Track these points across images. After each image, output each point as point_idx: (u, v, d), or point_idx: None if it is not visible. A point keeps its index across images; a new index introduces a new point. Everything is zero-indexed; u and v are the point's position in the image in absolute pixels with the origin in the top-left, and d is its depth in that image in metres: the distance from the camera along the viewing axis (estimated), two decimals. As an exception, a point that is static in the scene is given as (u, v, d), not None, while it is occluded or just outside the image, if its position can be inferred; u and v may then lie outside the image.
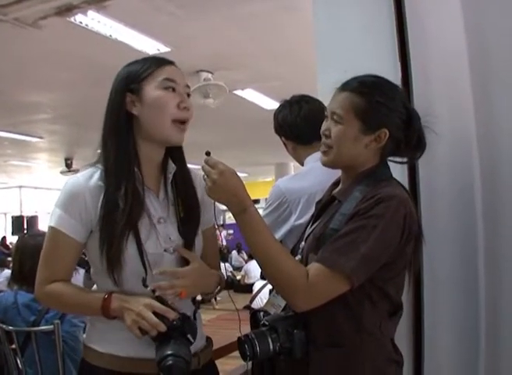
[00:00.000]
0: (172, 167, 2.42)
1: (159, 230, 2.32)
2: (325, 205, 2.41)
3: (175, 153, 2.44)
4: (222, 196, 2.15)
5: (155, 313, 2.08)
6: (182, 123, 2.32)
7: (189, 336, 2.13)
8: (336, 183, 2.46)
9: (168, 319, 2.09)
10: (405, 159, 2.39)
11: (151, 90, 2.28)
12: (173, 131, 2.31)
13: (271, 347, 2.14)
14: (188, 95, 2.37)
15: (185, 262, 2.33)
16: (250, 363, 2.31)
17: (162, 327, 2.07)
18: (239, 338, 2.19)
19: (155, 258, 2.28)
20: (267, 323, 2.21)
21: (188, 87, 2.39)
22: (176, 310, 2.14)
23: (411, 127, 2.24)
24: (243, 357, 2.17)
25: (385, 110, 2.20)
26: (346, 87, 2.26)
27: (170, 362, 2.00)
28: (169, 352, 2.03)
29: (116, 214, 2.21)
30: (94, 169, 2.34)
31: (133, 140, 2.31)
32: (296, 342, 2.16)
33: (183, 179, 2.45)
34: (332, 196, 2.38)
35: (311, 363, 2.18)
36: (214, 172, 2.13)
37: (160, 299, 2.14)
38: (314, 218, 2.44)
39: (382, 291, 2.16)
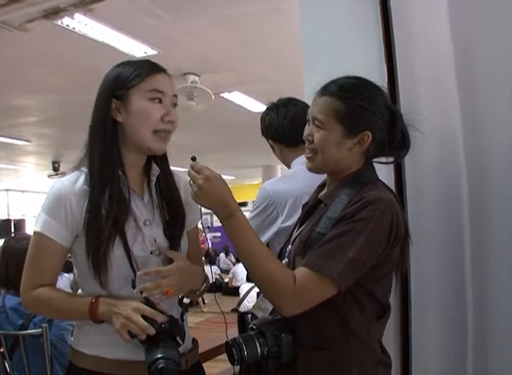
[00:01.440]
0: (155, 170, 2.42)
1: (145, 232, 2.32)
2: (312, 208, 2.41)
3: (158, 157, 2.44)
4: (209, 201, 2.13)
5: (144, 317, 2.08)
6: (164, 132, 2.32)
7: (178, 338, 2.13)
8: (322, 186, 2.46)
9: (157, 322, 2.09)
10: (390, 159, 2.39)
11: (138, 99, 2.27)
12: (155, 141, 2.31)
13: (259, 351, 2.14)
14: (175, 105, 2.37)
15: (171, 262, 2.32)
16: (237, 367, 2.31)
17: (151, 331, 2.06)
18: (226, 342, 2.18)
19: (143, 261, 2.29)
20: (254, 327, 2.21)
21: (175, 96, 2.37)
22: (164, 313, 2.14)
23: (394, 127, 2.24)
24: (231, 361, 2.17)
25: (367, 113, 2.19)
26: (325, 91, 2.25)
27: (161, 365, 2.00)
28: (160, 355, 2.02)
29: (102, 218, 2.21)
30: (79, 172, 2.34)
31: (117, 145, 2.30)
32: (283, 346, 2.16)
33: (167, 182, 2.46)
34: (318, 199, 2.38)
35: (299, 367, 2.18)
36: (199, 177, 2.11)
37: (148, 302, 2.14)
38: (301, 221, 2.43)
39: (369, 293, 2.16)
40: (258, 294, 3.22)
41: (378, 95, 2.26)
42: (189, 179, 2.16)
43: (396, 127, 2.24)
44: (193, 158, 2.18)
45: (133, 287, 2.19)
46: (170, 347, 2.08)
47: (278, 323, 2.21)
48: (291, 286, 2.02)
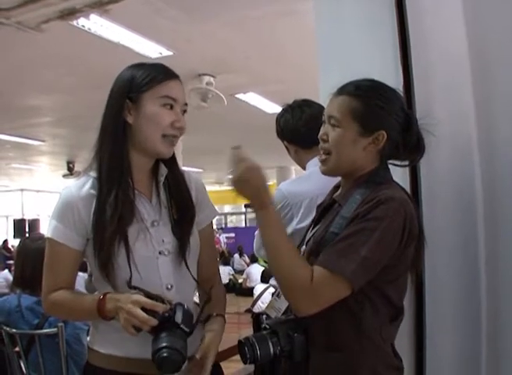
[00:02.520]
0: (163, 170, 2.43)
1: (152, 233, 2.33)
2: (326, 209, 2.41)
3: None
4: (245, 190, 2.16)
5: (145, 309, 2.09)
6: (172, 136, 2.34)
7: (182, 326, 2.11)
8: (337, 187, 2.46)
9: (158, 312, 2.09)
10: (405, 162, 2.39)
11: (150, 104, 2.28)
12: (163, 145, 2.32)
13: (271, 350, 2.14)
14: (184, 112, 2.38)
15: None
16: (252, 367, 2.31)
17: (153, 322, 2.06)
18: (239, 341, 2.19)
19: (149, 261, 2.31)
20: (268, 327, 2.21)
21: (186, 104, 2.39)
22: (165, 301, 2.14)
23: (410, 130, 2.24)
24: (244, 360, 2.17)
25: (383, 112, 2.20)
26: (342, 91, 2.26)
27: (165, 354, 2.00)
28: (164, 345, 2.02)
29: (105, 219, 2.23)
30: (86, 178, 2.36)
31: (126, 146, 2.32)
32: (296, 345, 2.16)
33: (176, 181, 2.46)
34: (332, 199, 2.38)
35: (311, 366, 2.18)
36: (241, 165, 2.15)
37: (148, 294, 2.14)
38: (315, 222, 2.43)
39: (383, 294, 2.15)
40: (273, 295, 3.23)
41: (394, 97, 2.26)
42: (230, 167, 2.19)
43: (412, 130, 2.24)
44: (237, 148, 2.23)
45: (129, 286, 2.20)
46: (175, 336, 2.08)
47: (291, 323, 2.21)
48: (307, 283, 2.02)
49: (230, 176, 2.17)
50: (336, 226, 2.15)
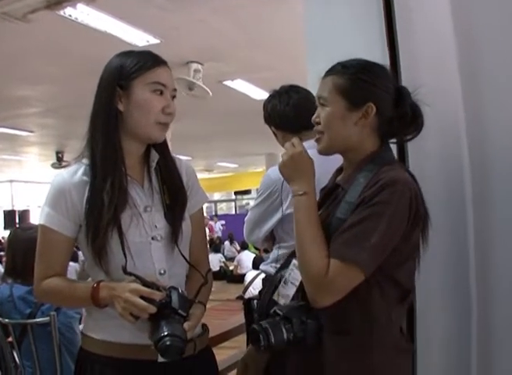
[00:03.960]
0: (155, 156, 2.45)
1: (145, 218, 2.36)
2: (329, 192, 2.42)
3: (158, 143, 2.47)
4: (292, 172, 2.24)
5: (143, 296, 2.11)
6: (165, 124, 2.37)
7: (180, 311, 2.15)
8: (339, 170, 2.46)
9: (156, 300, 2.11)
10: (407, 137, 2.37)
11: (140, 90, 2.31)
12: (155, 131, 2.36)
13: (285, 336, 2.13)
14: (173, 97, 2.41)
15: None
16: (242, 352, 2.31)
17: (152, 309, 2.09)
18: (253, 328, 2.18)
19: (142, 247, 2.33)
20: (280, 313, 2.20)
21: (175, 89, 2.41)
22: (161, 288, 2.17)
23: (403, 102, 2.24)
24: (257, 347, 2.16)
25: (368, 85, 2.21)
26: (329, 71, 2.29)
27: (168, 342, 2.04)
28: (165, 333, 2.06)
29: (103, 205, 2.25)
30: (78, 165, 2.39)
31: (118, 133, 2.34)
32: (309, 331, 2.16)
33: (167, 166, 2.49)
34: (335, 183, 2.39)
35: (322, 351, 2.18)
36: (294, 149, 2.23)
37: (145, 282, 2.16)
38: (319, 205, 2.44)
39: (390, 277, 2.15)
40: (264, 281, 3.24)
41: (381, 72, 2.28)
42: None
43: (405, 102, 2.24)
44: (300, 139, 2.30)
45: (124, 271, 2.20)
46: (173, 322, 2.12)
47: (303, 309, 2.20)
48: (322, 276, 2.04)
49: (283, 158, 2.26)
50: (341, 212, 2.16)
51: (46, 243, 2.36)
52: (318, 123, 2.28)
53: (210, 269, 2.53)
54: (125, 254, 2.25)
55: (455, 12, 2.83)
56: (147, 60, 2.34)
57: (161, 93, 2.33)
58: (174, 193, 2.45)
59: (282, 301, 2.35)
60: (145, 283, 2.15)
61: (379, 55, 2.96)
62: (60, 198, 2.31)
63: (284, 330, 2.13)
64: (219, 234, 26.04)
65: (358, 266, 2.02)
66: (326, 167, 2.49)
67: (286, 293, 2.36)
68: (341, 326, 2.17)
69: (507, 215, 2.76)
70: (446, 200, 2.84)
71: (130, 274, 2.18)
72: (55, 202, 2.32)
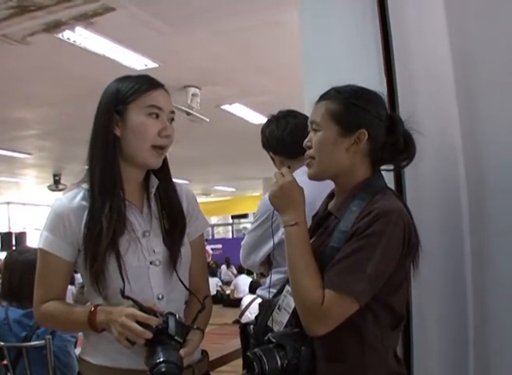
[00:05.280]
0: (154, 181, 2.45)
1: (143, 243, 2.36)
2: (321, 220, 2.41)
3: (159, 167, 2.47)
4: (282, 202, 2.23)
5: (139, 322, 2.10)
6: (161, 148, 2.37)
7: (176, 337, 2.14)
8: (330, 196, 2.46)
9: (152, 325, 2.11)
10: (392, 167, 2.38)
11: (135, 115, 2.31)
12: (151, 156, 2.36)
13: (279, 363, 2.12)
14: (172, 120, 2.41)
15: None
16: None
17: (148, 334, 2.09)
18: (246, 355, 2.18)
19: (140, 271, 2.33)
20: (273, 340, 2.20)
21: (173, 112, 2.42)
22: (158, 313, 2.16)
23: (395, 129, 2.24)
24: (252, 374, 2.14)
25: (361, 111, 2.21)
26: (323, 97, 2.29)
27: (163, 369, 2.03)
28: (161, 359, 2.05)
29: (101, 230, 2.25)
30: (78, 189, 2.40)
31: (117, 159, 2.34)
32: (303, 359, 2.15)
33: (167, 192, 2.49)
34: (328, 211, 2.38)
35: None
36: (283, 179, 2.23)
37: (142, 307, 2.15)
38: (311, 232, 2.42)
39: (384, 303, 2.15)
40: (260, 306, 3.22)
41: (374, 98, 2.28)
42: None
43: (397, 129, 2.25)
44: (288, 167, 2.33)
45: (122, 295, 2.20)
46: (169, 348, 2.11)
47: (297, 336, 2.19)
48: (317, 307, 2.04)
49: (272, 188, 2.25)
50: (335, 241, 2.15)
51: (45, 267, 2.36)
52: (310, 148, 2.28)
53: (208, 295, 2.51)
54: (123, 278, 2.25)
55: (452, 34, 2.84)
56: (142, 84, 2.35)
57: (157, 116, 2.33)
58: (173, 218, 2.45)
59: (276, 328, 2.34)
60: (142, 308, 2.14)
61: (376, 79, 2.97)
62: (59, 222, 2.32)
63: (278, 358, 2.13)
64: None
65: (353, 297, 2.03)
66: (321, 191, 2.49)
67: (279, 319, 2.35)
68: (335, 353, 2.16)
69: (505, 236, 2.76)
70: (443, 221, 2.85)
71: (128, 298, 2.18)
72: (53, 227, 2.33)
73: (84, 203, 2.33)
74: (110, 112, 2.32)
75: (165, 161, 2.48)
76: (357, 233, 2.08)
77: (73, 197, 2.37)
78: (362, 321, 2.13)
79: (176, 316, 2.19)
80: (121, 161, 2.35)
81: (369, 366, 2.14)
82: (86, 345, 2.45)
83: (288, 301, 2.29)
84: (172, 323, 2.15)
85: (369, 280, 2.02)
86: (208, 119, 10.05)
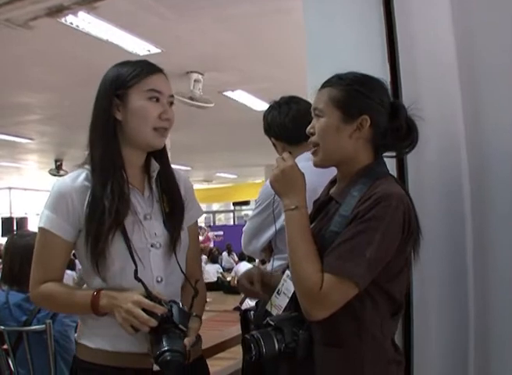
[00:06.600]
0: (155, 166, 2.47)
1: (145, 225, 2.37)
2: (322, 205, 2.42)
3: (158, 152, 2.50)
4: (283, 186, 2.24)
5: (144, 309, 2.12)
6: (163, 129, 2.39)
7: (180, 326, 2.16)
8: (333, 182, 2.46)
9: (157, 313, 2.12)
10: (394, 153, 2.40)
11: (136, 99, 2.34)
12: (154, 137, 2.38)
13: (276, 347, 2.14)
14: (171, 104, 2.43)
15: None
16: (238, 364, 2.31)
17: (153, 322, 2.11)
18: (244, 338, 2.19)
19: (143, 253, 2.33)
20: (272, 323, 2.21)
21: (172, 96, 2.44)
22: (163, 301, 2.18)
23: (397, 115, 2.25)
24: (249, 357, 2.17)
25: (364, 97, 2.21)
26: (326, 83, 2.30)
27: (169, 357, 2.05)
28: (166, 348, 2.07)
29: (104, 211, 2.25)
30: (81, 170, 2.40)
31: (117, 143, 2.36)
32: (300, 342, 2.16)
33: (167, 176, 2.51)
34: (329, 196, 2.38)
35: (313, 362, 2.18)
36: (284, 163, 2.24)
37: (149, 294, 2.16)
38: (311, 217, 2.43)
39: (383, 290, 2.15)
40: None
41: (377, 85, 2.29)
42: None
43: (400, 115, 2.25)
44: (290, 153, 2.32)
45: (136, 278, 2.21)
46: (174, 337, 2.13)
47: (295, 320, 2.21)
48: (316, 290, 2.04)
49: (273, 172, 2.26)
50: (335, 225, 2.16)
51: (45, 247, 2.35)
52: (313, 134, 2.29)
53: (199, 279, 2.52)
54: (133, 260, 2.27)
55: (456, 20, 2.84)
56: (142, 68, 2.37)
57: (158, 100, 2.36)
58: (173, 202, 2.47)
59: (274, 312, 2.35)
60: (149, 295, 2.16)
61: (380, 66, 2.96)
62: (61, 201, 2.31)
63: (275, 341, 2.15)
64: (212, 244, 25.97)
65: (352, 281, 2.03)
66: (323, 178, 2.49)
67: (278, 304, 2.36)
68: (332, 339, 2.17)
69: (507, 221, 2.77)
70: (445, 208, 2.84)
71: (140, 281, 2.20)
72: (56, 206, 2.32)
73: (87, 183, 2.33)
74: (110, 96, 2.34)
75: (164, 148, 2.51)
76: (357, 217, 2.09)
77: (76, 177, 2.37)
78: (361, 307, 2.13)
79: (179, 304, 2.22)
80: (122, 144, 2.37)
81: (367, 353, 2.15)
82: (83, 329, 2.46)
83: (287, 286, 2.30)
84: (175, 311, 2.17)
85: (368, 263, 2.03)
86: (212, 105, 10.03)
